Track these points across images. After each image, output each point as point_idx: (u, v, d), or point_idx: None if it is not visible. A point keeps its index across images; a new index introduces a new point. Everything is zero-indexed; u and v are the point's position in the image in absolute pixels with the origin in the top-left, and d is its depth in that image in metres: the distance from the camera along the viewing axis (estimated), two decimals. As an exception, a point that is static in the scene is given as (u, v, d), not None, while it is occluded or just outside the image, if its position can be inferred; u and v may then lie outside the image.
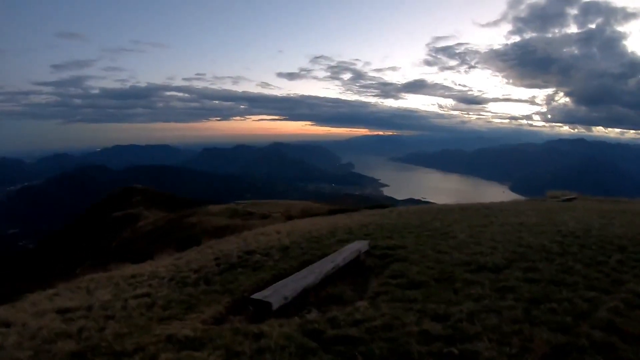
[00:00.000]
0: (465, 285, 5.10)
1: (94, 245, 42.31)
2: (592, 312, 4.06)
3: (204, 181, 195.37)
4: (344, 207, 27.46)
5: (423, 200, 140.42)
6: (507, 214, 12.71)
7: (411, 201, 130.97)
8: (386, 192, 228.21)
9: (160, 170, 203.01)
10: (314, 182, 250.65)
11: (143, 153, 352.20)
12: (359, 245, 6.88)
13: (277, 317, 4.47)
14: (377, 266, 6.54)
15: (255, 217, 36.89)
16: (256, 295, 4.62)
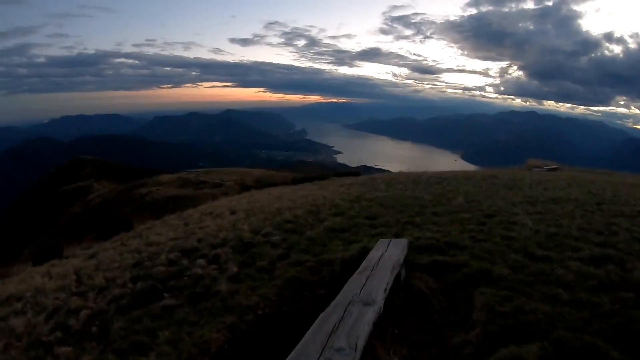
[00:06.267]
0: None
1: (42, 222, 38.48)
2: None
3: (156, 150, 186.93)
4: (310, 175, 24.21)
5: (376, 167, 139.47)
6: (529, 186, 10.14)
7: (364, 168, 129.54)
8: (340, 159, 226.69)
9: (111, 140, 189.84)
10: (266, 149, 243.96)
11: (92, 123, 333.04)
12: (396, 252, 3.61)
13: None
14: (434, 292, 3.40)
15: (208, 186, 34.39)
16: None
